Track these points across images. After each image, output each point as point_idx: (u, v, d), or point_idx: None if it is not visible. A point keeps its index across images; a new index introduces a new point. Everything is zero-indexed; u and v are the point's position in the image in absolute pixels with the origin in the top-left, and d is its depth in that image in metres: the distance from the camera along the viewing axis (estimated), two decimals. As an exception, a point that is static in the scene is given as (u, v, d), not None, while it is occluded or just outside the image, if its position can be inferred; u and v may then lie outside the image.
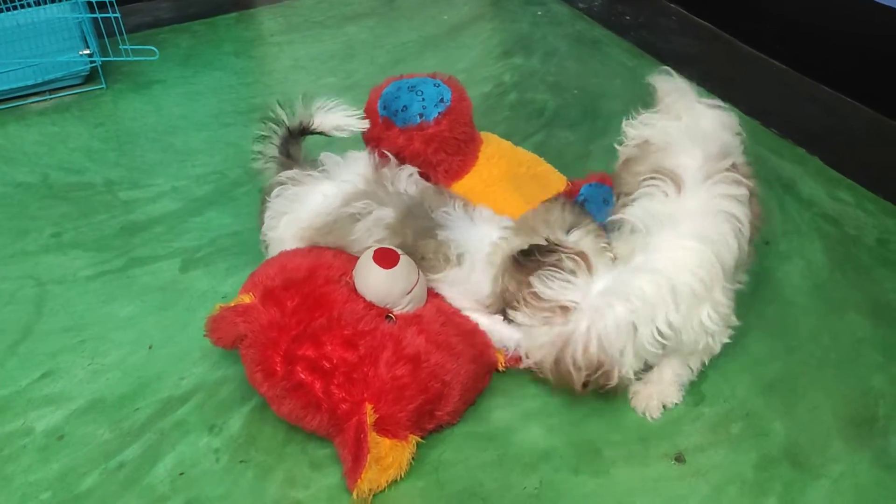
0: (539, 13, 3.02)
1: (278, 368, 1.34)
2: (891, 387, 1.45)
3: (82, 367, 1.55)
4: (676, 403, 1.43)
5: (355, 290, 1.43)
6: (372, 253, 1.41)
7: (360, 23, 3.00)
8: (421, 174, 1.62)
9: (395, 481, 1.31)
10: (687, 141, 1.42)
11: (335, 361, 1.33)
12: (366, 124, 1.63)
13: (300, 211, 1.54)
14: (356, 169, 1.56)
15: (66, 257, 1.84)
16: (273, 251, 1.58)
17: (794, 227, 1.86)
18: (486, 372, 1.46)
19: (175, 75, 2.64)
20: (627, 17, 2.96)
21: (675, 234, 1.29)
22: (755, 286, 1.69)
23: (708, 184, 1.34)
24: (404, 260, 1.42)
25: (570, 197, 1.59)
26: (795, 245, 1.80)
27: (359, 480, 1.25)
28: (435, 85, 1.71)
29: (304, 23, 3.01)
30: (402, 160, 1.65)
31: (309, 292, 1.40)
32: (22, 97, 2.45)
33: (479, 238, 1.46)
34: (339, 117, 1.59)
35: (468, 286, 1.47)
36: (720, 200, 1.33)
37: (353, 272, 1.44)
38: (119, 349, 1.58)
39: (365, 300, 1.42)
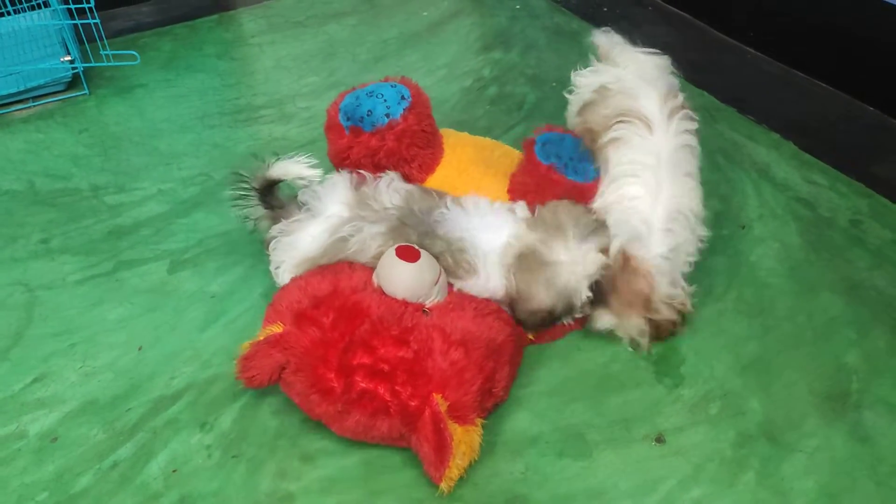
0: (517, 7, 3.04)
1: (335, 384, 1.34)
2: (864, 363, 1.49)
3: (74, 369, 1.57)
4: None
5: (383, 293, 1.46)
6: (394, 251, 1.45)
7: (340, 21, 3.02)
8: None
9: (383, 471, 1.34)
10: (642, 84, 1.61)
11: (393, 362, 1.34)
12: (316, 172, 1.58)
13: (295, 257, 1.56)
14: (337, 198, 1.57)
15: (54, 263, 1.86)
16: None
17: (769, 210, 1.90)
18: (521, 345, 1.53)
19: (158, 79, 2.66)
20: (605, 9, 2.99)
21: (669, 175, 1.51)
22: (732, 268, 1.74)
23: (672, 122, 1.55)
24: (424, 253, 1.47)
25: (532, 147, 1.66)
26: (771, 228, 1.84)
27: (447, 470, 1.26)
28: (391, 86, 1.75)
29: (284, 23, 3.02)
30: (377, 162, 1.69)
31: (341, 305, 1.42)
32: (5, 105, 2.46)
33: (489, 238, 1.49)
34: (294, 168, 1.58)
35: (485, 291, 1.51)
36: (684, 136, 1.56)
37: (376, 277, 1.48)
38: (110, 351, 1.61)
39: (397, 299, 1.45)
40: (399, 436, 1.34)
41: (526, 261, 1.45)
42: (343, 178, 1.61)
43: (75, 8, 2.50)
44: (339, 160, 1.74)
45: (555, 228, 1.45)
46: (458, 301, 1.48)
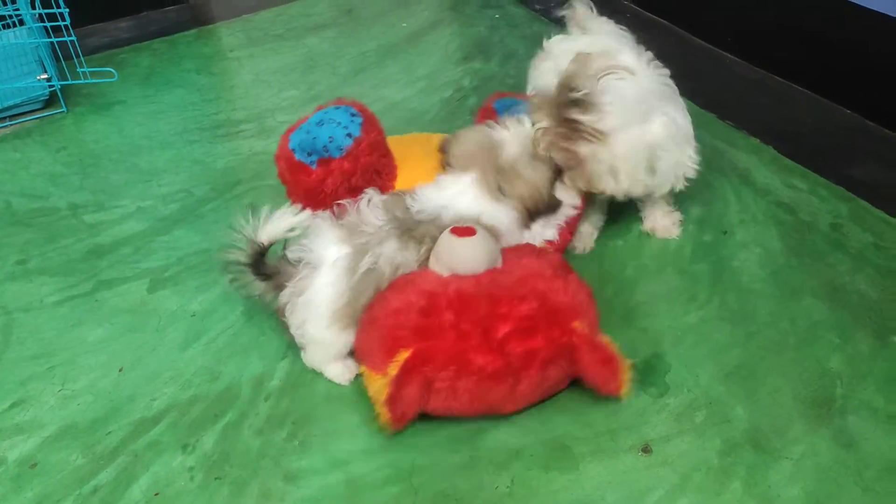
0: (496, 16, 3.05)
1: (499, 363, 1.36)
2: (847, 367, 1.49)
3: (52, 393, 1.55)
4: (682, 219, 1.88)
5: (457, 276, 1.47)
6: (449, 234, 1.47)
7: (319, 34, 3.01)
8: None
9: (366, 489, 1.33)
10: (616, 45, 1.73)
11: (529, 316, 1.39)
12: (304, 215, 1.50)
13: (320, 310, 1.46)
14: (329, 240, 1.48)
15: (32, 284, 1.83)
16: (315, 351, 1.54)
17: (750, 215, 1.90)
18: None
19: (136, 95, 2.64)
20: (584, 17, 2.99)
21: (653, 91, 1.64)
22: (715, 275, 1.74)
23: (649, 67, 1.68)
24: (476, 227, 1.50)
25: (489, 116, 1.73)
26: (752, 233, 1.85)
27: (623, 380, 1.39)
28: (335, 108, 1.73)
29: (263, 36, 3.02)
30: (353, 185, 1.67)
31: (446, 301, 1.41)
32: (-19, 125, 2.45)
33: (465, 201, 1.56)
34: (282, 224, 1.47)
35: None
36: (664, 78, 1.69)
37: (439, 265, 1.48)
38: (89, 373, 1.59)
39: (477, 273, 1.47)
40: (565, 376, 1.43)
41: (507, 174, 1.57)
42: (324, 219, 1.52)
43: (51, 26, 2.48)
44: (314, 196, 1.70)
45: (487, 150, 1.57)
46: (512, 255, 1.54)
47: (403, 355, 1.36)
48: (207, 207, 2.08)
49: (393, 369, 1.36)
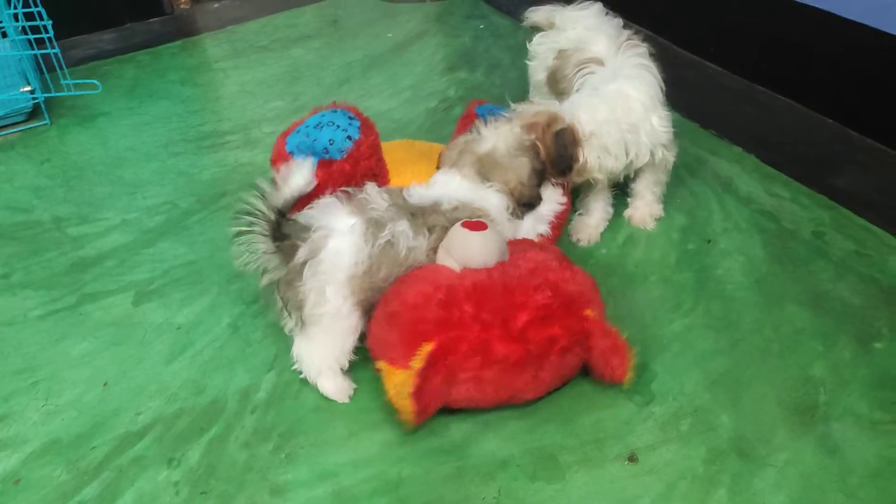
0: (481, 27, 3.07)
1: (521, 350, 1.39)
2: (830, 374, 1.51)
3: (36, 408, 1.54)
4: (661, 216, 1.95)
5: (476, 271, 1.48)
6: (461, 228, 1.50)
7: (305, 45, 3.02)
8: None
9: (353, 501, 1.32)
10: (590, 34, 1.88)
11: (545, 305, 1.42)
12: (310, 163, 1.53)
13: (339, 272, 1.44)
14: (340, 212, 1.47)
15: (15, 298, 1.82)
16: (321, 335, 1.50)
17: (733, 224, 1.92)
18: None
19: (121, 107, 2.63)
20: (568, 27, 3.02)
21: (618, 77, 1.75)
22: (700, 283, 1.75)
23: (620, 52, 1.81)
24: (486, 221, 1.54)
25: (471, 120, 1.79)
26: (736, 241, 1.86)
27: (628, 368, 1.46)
28: (333, 112, 1.74)
29: (248, 47, 3.02)
30: (351, 187, 1.65)
31: (464, 296, 1.42)
32: (-36, 138, 2.43)
33: (454, 191, 1.59)
34: (299, 174, 1.47)
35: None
36: (635, 59, 1.80)
37: (450, 257, 1.49)
38: (73, 388, 1.58)
39: (487, 267, 1.49)
40: (579, 362, 1.48)
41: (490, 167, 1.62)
42: (330, 199, 1.52)
43: (34, 38, 2.47)
44: (313, 198, 1.64)
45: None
46: (517, 248, 1.57)
47: (427, 348, 1.37)
48: (193, 219, 2.07)
49: (417, 362, 1.36)
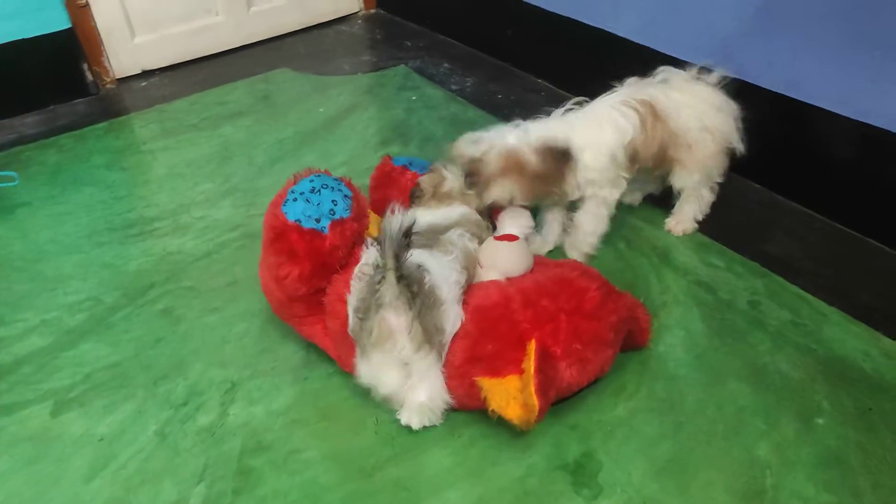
0: (413, 98, 3.07)
1: (607, 331, 1.57)
2: (775, 455, 1.49)
3: (-60, 544, 1.42)
4: (695, 230, 2.15)
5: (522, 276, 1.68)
6: (501, 242, 1.73)
7: (235, 122, 2.97)
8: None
9: None
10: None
11: (601, 284, 1.61)
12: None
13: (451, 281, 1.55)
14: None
15: (-79, 416, 1.69)
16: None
17: (672, 296, 1.91)
18: None
19: (41, 195, 2.53)
20: (499, 96, 3.05)
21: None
22: (642, 362, 1.73)
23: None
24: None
25: (389, 159, 2.09)
26: (675, 315, 1.85)
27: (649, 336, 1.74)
28: (317, 176, 1.72)
29: (178, 127, 2.95)
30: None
31: (534, 295, 1.56)
32: None
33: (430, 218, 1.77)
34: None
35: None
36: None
37: (489, 272, 1.68)
38: (-17, 517, 1.46)
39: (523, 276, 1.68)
40: (627, 333, 1.67)
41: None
42: (369, 246, 1.58)
43: (-54, 129, 2.37)
44: (329, 257, 1.66)
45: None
46: (543, 264, 1.79)
47: (532, 345, 1.47)
48: (118, 316, 1.98)
49: (528, 363, 1.44)
